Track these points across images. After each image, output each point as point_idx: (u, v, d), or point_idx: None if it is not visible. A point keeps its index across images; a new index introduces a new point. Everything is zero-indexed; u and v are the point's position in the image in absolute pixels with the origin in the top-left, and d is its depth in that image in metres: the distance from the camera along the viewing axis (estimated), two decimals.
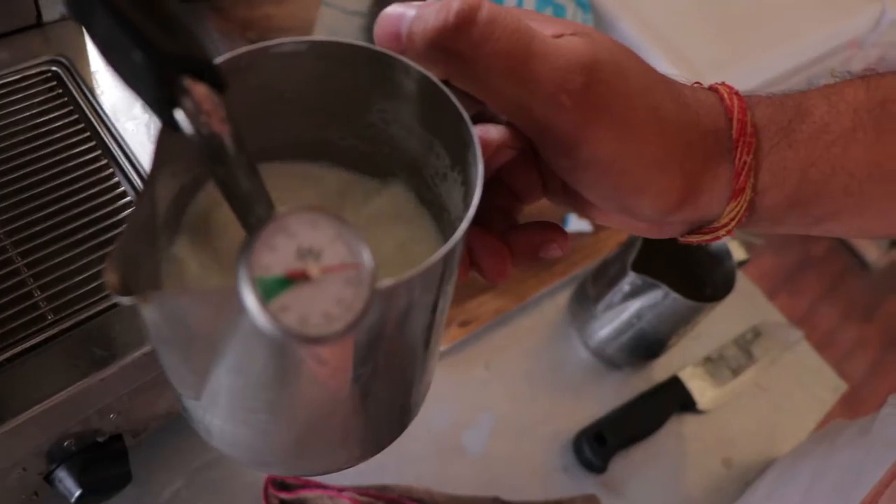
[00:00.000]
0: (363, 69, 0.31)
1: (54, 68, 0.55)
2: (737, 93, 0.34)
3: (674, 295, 0.69)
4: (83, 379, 0.44)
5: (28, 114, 0.53)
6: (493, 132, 0.32)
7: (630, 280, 0.71)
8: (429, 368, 0.36)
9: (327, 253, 0.23)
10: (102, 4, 0.21)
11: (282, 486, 0.65)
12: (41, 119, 0.53)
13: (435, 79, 0.30)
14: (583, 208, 0.36)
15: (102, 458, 0.51)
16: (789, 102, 0.34)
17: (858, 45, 1.25)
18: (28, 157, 0.51)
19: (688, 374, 0.81)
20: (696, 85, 0.35)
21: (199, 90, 0.22)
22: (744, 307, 0.90)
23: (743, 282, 0.91)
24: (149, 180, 0.26)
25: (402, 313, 0.28)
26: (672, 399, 0.79)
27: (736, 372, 0.84)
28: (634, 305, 0.73)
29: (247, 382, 0.28)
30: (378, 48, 0.30)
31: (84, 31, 0.52)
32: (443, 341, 0.75)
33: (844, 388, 0.90)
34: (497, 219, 0.35)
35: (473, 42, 0.29)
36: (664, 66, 0.92)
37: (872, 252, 2.38)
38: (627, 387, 0.80)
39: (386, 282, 0.24)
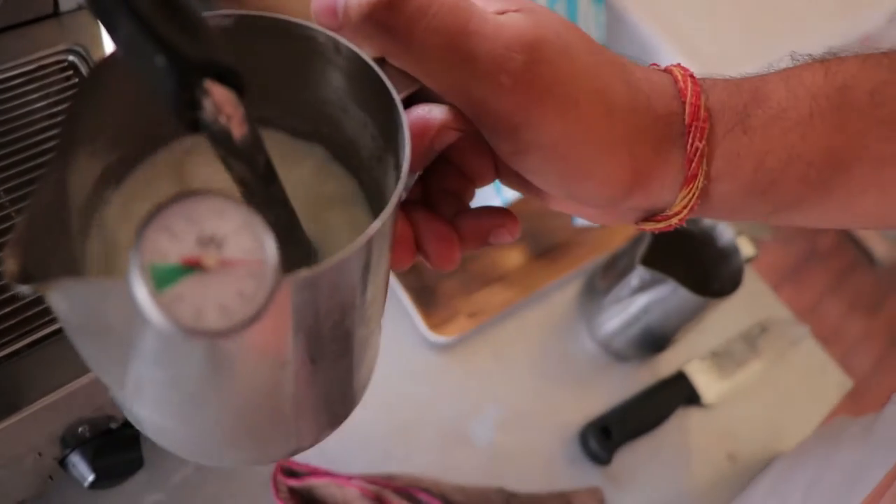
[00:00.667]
0: (296, 46, 0.30)
1: (70, 57, 0.56)
2: (692, 75, 0.33)
3: (682, 290, 0.70)
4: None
5: (45, 102, 0.53)
6: (436, 112, 0.31)
7: (639, 274, 0.72)
8: (367, 357, 0.35)
9: (231, 243, 0.21)
10: (125, 8, 0.22)
11: (290, 473, 0.66)
12: (58, 108, 0.53)
13: (367, 57, 0.29)
14: (535, 191, 0.35)
15: (115, 444, 0.52)
16: (746, 86, 0.33)
17: (871, 40, 1.24)
18: (45, 146, 0.51)
19: (693, 369, 0.82)
20: (651, 66, 0.34)
21: (220, 93, 0.22)
22: (750, 302, 0.90)
23: (750, 277, 0.91)
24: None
25: (325, 304, 0.26)
26: (677, 393, 0.80)
27: (741, 367, 0.84)
28: (642, 299, 0.73)
29: (166, 375, 0.27)
30: (308, 24, 0.29)
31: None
32: (451, 333, 0.75)
33: (850, 384, 0.90)
34: (446, 202, 0.34)
35: (408, 17, 0.27)
36: (675, 58, 0.92)
37: (880, 246, 2.37)
38: (634, 380, 0.81)
39: (300, 273, 0.23)
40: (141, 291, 0.20)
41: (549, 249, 0.84)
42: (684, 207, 0.33)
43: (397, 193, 0.26)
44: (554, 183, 0.32)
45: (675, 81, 0.32)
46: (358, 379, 0.34)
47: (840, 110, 0.32)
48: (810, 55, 0.34)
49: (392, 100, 0.28)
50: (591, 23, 0.97)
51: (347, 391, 0.34)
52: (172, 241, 0.21)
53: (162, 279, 0.20)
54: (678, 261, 0.76)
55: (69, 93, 0.54)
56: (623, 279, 0.74)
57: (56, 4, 0.56)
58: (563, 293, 0.84)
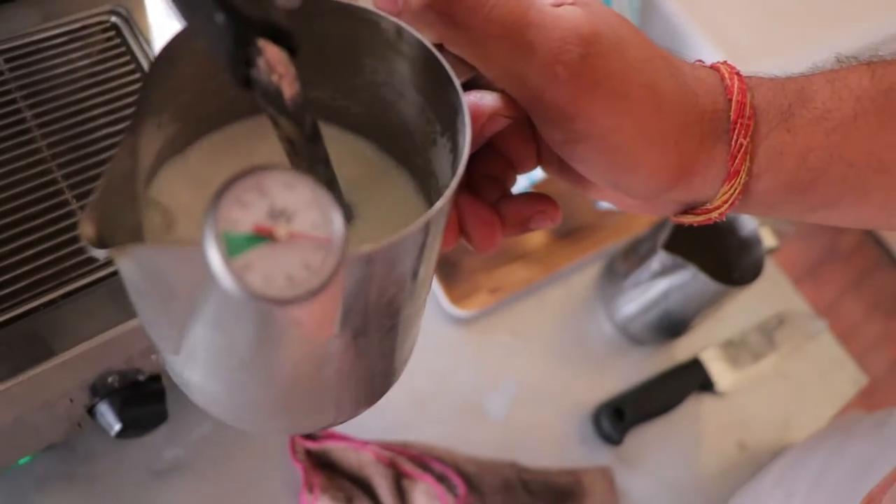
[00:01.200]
0: (357, 30, 0.31)
1: (113, 18, 0.57)
2: (738, 73, 0.33)
3: (702, 276, 0.70)
4: (130, 320, 0.46)
5: (88, 61, 0.55)
6: (488, 99, 0.31)
7: (660, 259, 0.72)
8: (410, 335, 0.36)
9: (300, 216, 0.22)
10: None
11: (308, 435, 0.67)
12: (100, 66, 0.55)
13: (428, 43, 0.30)
14: (576, 180, 0.36)
15: (142, 396, 0.53)
16: (791, 86, 0.33)
17: None
18: (86, 104, 0.53)
19: (709, 356, 0.82)
20: (697, 63, 0.34)
21: (274, 52, 0.23)
22: (769, 294, 0.90)
23: (770, 268, 0.91)
24: (131, 130, 0.26)
25: (380, 281, 0.27)
26: (691, 379, 0.81)
27: (757, 357, 0.85)
28: (662, 284, 0.74)
29: (223, 340, 0.28)
30: (372, 9, 0.30)
31: None
32: (471, 307, 0.76)
33: (864, 381, 0.90)
34: (489, 187, 0.35)
35: (469, 6, 0.28)
36: (708, 49, 0.92)
37: None
38: (649, 364, 0.82)
39: (363, 248, 0.24)
40: (214, 257, 0.21)
41: (571, 231, 0.85)
42: (725, 202, 0.34)
43: (458, 175, 0.27)
44: (601, 173, 0.32)
45: (722, 79, 0.33)
46: (400, 355, 0.36)
47: (884, 113, 0.32)
48: (856, 57, 0.35)
49: (452, 85, 0.29)
50: (625, 9, 0.97)
51: (389, 367, 0.36)
52: (244, 212, 0.22)
53: (234, 247, 0.21)
54: (700, 249, 0.77)
55: (111, 52, 0.56)
56: (644, 263, 0.75)
57: None
58: (583, 275, 0.85)
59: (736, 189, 0.33)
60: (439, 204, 0.26)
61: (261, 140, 0.35)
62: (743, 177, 0.33)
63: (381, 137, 0.36)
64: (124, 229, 0.26)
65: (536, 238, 0.83)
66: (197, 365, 0.31)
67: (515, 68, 0.29)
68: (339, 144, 0.36)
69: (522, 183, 0.82)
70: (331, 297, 0.25)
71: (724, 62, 0.34)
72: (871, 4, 1.09)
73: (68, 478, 0.62)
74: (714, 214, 0.35)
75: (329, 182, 0.29)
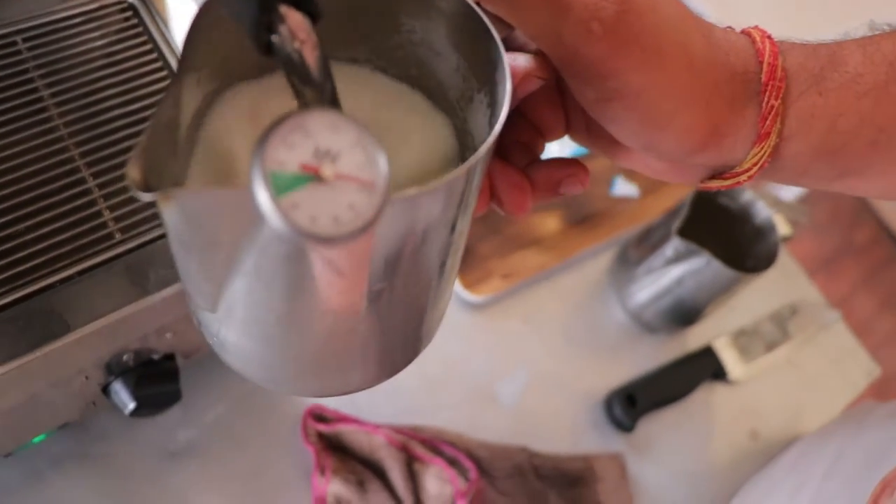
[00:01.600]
0: None
1: (132, 0, 0.57)
2: (769, 37, 0.33)
3: (716, 263, 0.70)
4: (145, 297, 0.47)
5: (105, 41, 0.55)
6: (521, 60, 0.32)
7: (674, 245, 0.72)
8: (444, 296, 0.36)
9: (345, 157, 0.23)
10: None
11: (320, 418, 0.67)
12: (117, 47, 0.55)
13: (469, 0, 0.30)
14: (605, 146, 0.36)
15: (156, 375, 0.54)
16: (823, 51, 0.34)
17: None
18: (103, 83, 0.53)
19: (721, 344, 0.82)
20: (728, 28, 0.35)
21: (295, 18, 0.23)
22: (783, 283, 0.90)
23: (784, 258, 0.91)
24: (175, 80, 0.27)
25: (420, 227, 0.28)
26: (704, 367, 0.81)
27: (770, 347, 0.85)
28: (676, 271, 0.74)
29: (262, 292, 0.28)
30: None
31: None
32: (484, 292, 0.76)
33: (878, 372, 0.90)
34: (519, 153, 0.35)
35: None
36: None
37: None
38: (661, 352, 0.82)
39: (407, 191, 0.24)
40: (262, 196, 0.21)
41: (585, 218, 0.85)
42: (754, 165, 0.34)
43: (501, 120, 0.28)
44: (633, 132, 0.32)
45: (753, 42, 0.33)
46: (432, 316, 0.36)
47: None
48: (889, 24, 0.35)
49: (492, 39, 0.30)
50: None
51: (421, 328, 0.36)
52: (290, 152, 0.22)
53: (281, 186, 0.21)
54: (714, 237, 0.77)
55: (128, 33, 0.56)
56: (657, 250, 0.75)
57: None
58: (597, 261, 0.85)
59: (766, 151, 0.33)
60: (482, 150, 0.27)
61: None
62: (773, 139, 0.33)
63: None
64: (167, 177, 0.26)
65: (550, 224, 0.83)
66: (234, 322, 0.31)
67: (552, 25, 0.30)
68: (382, 87, 0.36)
69: None
70: (375, 238, 0.25)
71: (756, 27, 0.34)
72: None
73: (82, 457, 0.63)
74: (743, 178, 0.35)
75: None
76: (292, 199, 0.22)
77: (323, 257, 0.25)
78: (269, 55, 0.24)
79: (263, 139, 0.22)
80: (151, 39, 0.56)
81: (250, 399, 0.68)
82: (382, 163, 0.23)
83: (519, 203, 0.34)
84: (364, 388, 0.37)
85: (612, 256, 0.86)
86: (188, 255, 0.28)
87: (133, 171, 0.23)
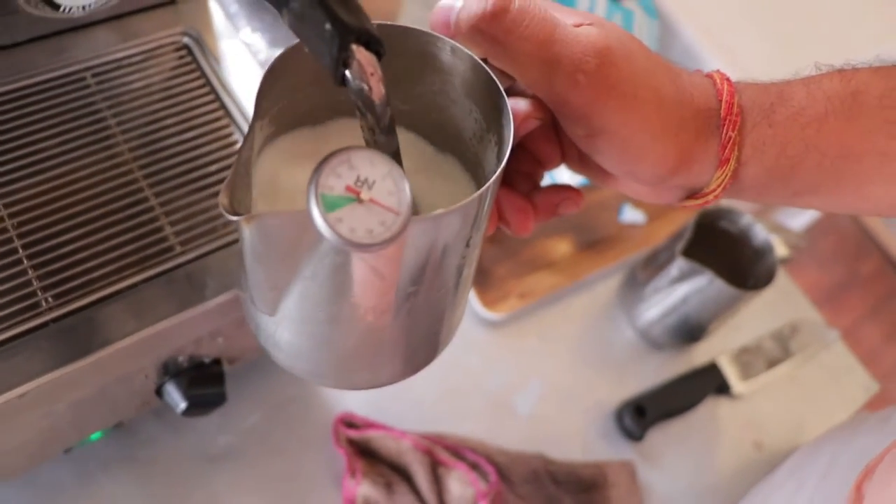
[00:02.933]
0: (420, 49, 0.38)
1: (185, 39, 0.63)
2: (727, 79, 0.40)
3: (718, 281, 0.75)
4: (203, 302, 0.52)
5: (162, 76, 0.61)
6: (521, 104, 0.38)
7: (678, 265, 0.77)
8: (461, 302, 0.43)
9: (378, 185, 0.30)
10: None
11: (350, 424, 0.72)
12: (173, 81, 0.61)
13: (476, 57, 0.37)
14: (595, 174, 0.42)
15: (205, 377, 0.59)
16: (773, 89, 0.39)
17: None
18: (162, 114, 0.59)
19: (725, 361, 0.87)
20: (696, 71, 0.41)
21: (366, 55, 0.29)
22: (783, 304, 0.95)
23: (783, 280, 0.96)
24: (251, 127, 0.34)
25: (443, 241, 0.34)
26: (709, 382, 0.85)
27: (771, 363, 0.89)
28: (681, 290, 0.79)
29: (315, 294, 0.35)
30: (431, 32, 0.37)
31: (220, 7, 0.60)
32: (502, 311, 0.82)
33: (876, 388, 0.94)
34: (522, 181, 0.42)
35: (506, 27, 0.35)
36: (716, 64, 0.98)
37: None
38: (668, 367, 0.86)
39: (435, 212, 0.31)
40: (315, 212, 0.28)
41: (595, 242, 0.90)
42: (719, 186, 0.40)
43: (507, 153, 0.34)
44: (615, 162, 0.39)
45: (714, 83, 0.39)
46: (454, 316, 0.43)
47: (852, 111, 0.38)
48: (831, 65, 0.41)
49: (498, 90, 0.36)
50: (644, 34, 1.03)
51: (445, 326, 0.42)
52: (337, 180, 0.29)
53: (329, 205, 0.29)
54: (716, 259, 0.82)
55: (183, 69, 0.62)
56: (663, 270, 0.80)
57: None
58: (606, 283, 0.91)
59: (727, 174, 0.39)
60: (492, 180, 0.33)
61: (326, 141, 0.42)
62: (732, 164, 0.39)
63: (436, 136, 0.43)
64: (244, 204, 0.34)
65: (562, 248, 0.89)
66: (289, 323, 0.38)
67: (544, 76, 0.36)
68: (404, 141, 0.43)
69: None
70: (400, 248, 0.32)
71: (718, 70, 0.40)
72: (878, 36, 1.15)
73: (130, 460, 0.67)
74: (710, 197, 0.41)
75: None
76: (337, 215, 0.29)
77: (362, 261, 0.32)
78: (342, 86, 0.30)
79: (318, 169, 0.29)
80: (204, 75, 0.62)
81: (285, 408, 0.73)
82: (406, 189, 0.30)
83: (523, 224, 0.41)
84: (390, 383, 0.44)
85: (621, 278, 0.91)
86: (259, 266, 0.35)
87: (223, 199, 0.30)
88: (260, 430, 0.72)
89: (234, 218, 0.29)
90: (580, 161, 0.43)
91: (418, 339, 0.42)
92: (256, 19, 0.84)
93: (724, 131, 0.38)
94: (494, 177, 0.33)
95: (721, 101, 0.38)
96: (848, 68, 0.40)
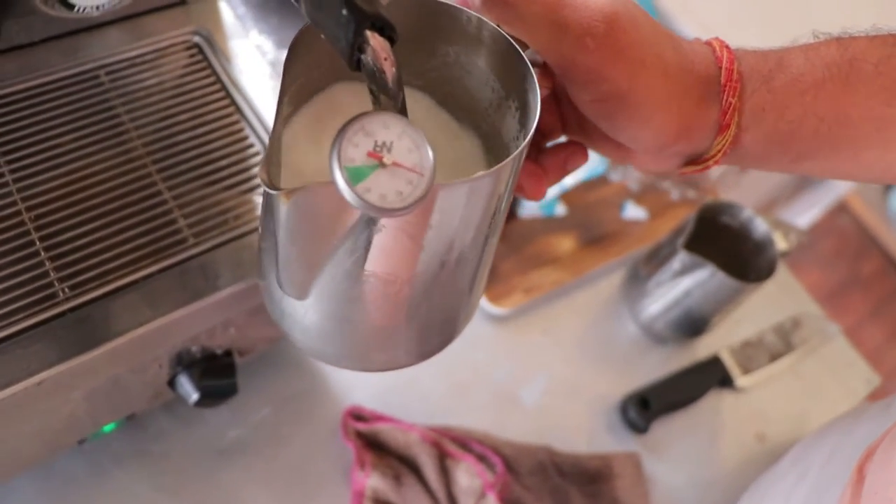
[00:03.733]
0: (433, 20, 0.39)
1: (196, 39, 0.65)
2: (727, 46, 0.41)
3: (720, 274, 0.76)
4: (215, 293, 0.53)
5: (174, 74, 0.62)
6: None
7: (680, 258, 0.79)
8: (475, 291, 0.43)
9: (396, 146, 0.30)
10: None
11: (358, 417, 0.73)
12: (185, 79, 0.62)
13: (493, 24, 0.38)
14: (595, 142, 0.44)
15: (217, 368, 0.60)
16: (771, 55, 0.41)
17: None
18: (174, 110, 0.60)
19: (728, 354, 0.88)
20: (694, 40, 0.42)
21: (380, 41, 0.31)
22: (784, 298, 0.96)
23: (784, 275, 0.97)
24: (279, 103, 0.35)
25: (483, 201, 0.35)
26: (712, 375, 0.86)
27: (773, 357, 0.90)
28: (683, 283, 0.80)
29: (349, 271, 0.36)
30: (445, 2, 0.38)
31: (230, 8, 0.61)
32: (507, 305, 0.83)
33: (877, 381, 0.95)
34: (529, 150, 0.42)
35: None
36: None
37: None
38: (671, 361, 0.87)
39: (478, 174, 0.32)
40: (343, 187, 0.29)
41: (598, 238, 0.91)
42: (719, 151, 0.41)
43: (535, 117, 0.35)
44: (620, 128, 0.40)
45: (714, 51, 0.41)
46: (476, 293, 0.44)
47: (849, 77, 0.39)
48: (829, 33, 0.42)
49: (520, 56, 0.37)
50: None
51: (467, 303, 0.43)
52: (357, 150, 0.30)
53: (355, 176, 0.29)
54: (717, 253, 0.83)
55: (194, 67, 0.63)
56: (665, 264, 0.81)
57: None
58: (610, 279, 0.92)
59: (727, 140, 0.40)
60: (527, 139, 0.34)
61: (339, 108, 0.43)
62: (733, 130, 0.40)
63: (450, 107, 0.44)
64: (277, 180, 0.35)
65: (566, 245, 0.90)
66: (319, 304, 0.39)
67: (554, 40, 0.37)
68: (423, 109, 0.44)
69: (552, 191, 0.88)
70: (431, 206, 0.32)
71: (716, 38, 0.42)
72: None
73: (141, 454, 0.68)
74: (710, 163, 0.42)
75: None
76: (366, 186, 0.29)
77: (396, 226, 0.32)
78: (357, 70, 0.31)
79: (336, 142, 0.29)
80: (214, 73, 0.63)
81: (294, 401, 0.74)
82: (425, 144, 0.31)
83: (536, 188, 0.42)
84: (406, 366, 0.45)
85: (624, 273, 0.92)
86: (293, 245, 0.36)
87: (262, 174, 0.31)
88: (269, 423, 0.73)
89: (274, 192, 0.30)
90: (580, 130, 0.44)
91: (436, 321, 0.43)
92: (263, 21, 0.85)
93: (725, 98, 0.39)
94: (528, 138, 0.34)
95: (721, 67, 0.39)
96: (845, 36, 0.41)
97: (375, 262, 0.35)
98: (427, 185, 0.30)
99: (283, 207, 0.33)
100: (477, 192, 0.34)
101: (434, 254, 0.36)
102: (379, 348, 0.44)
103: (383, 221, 0.32)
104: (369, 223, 0.32)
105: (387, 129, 0.30)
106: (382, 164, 0.29)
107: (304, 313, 0.40)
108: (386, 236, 0.33)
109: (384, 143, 0.30)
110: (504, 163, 0.33)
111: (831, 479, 0.65)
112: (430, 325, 0.43)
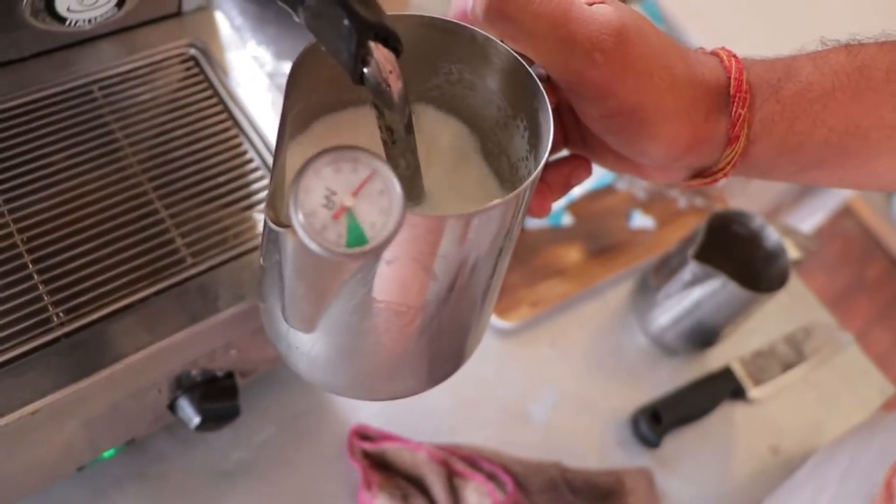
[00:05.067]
0: (436, 38, 0.37)
1: (192, 51, 0.63)
2: (734, 55, 0.39)
3: (731, 284, 0.75)
4: (216, 314, 0.51)
5: (170, 88, 0.61)
6: None
7: (691, 269, 0.77)
8: (483, 317, 0.42)
9: (366, 189, 0.27)
10: None
11: (364, 437, 0.72)
12: (181, 93, 0.61)
13: (498, 41, 0.36)
14: (599, 156, 0.42)
15: (218, 391, 0.58)
16: (779, 65, 0.39)
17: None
18: (170, 125, 0.59)
19: (739, 365, 0.86)
20: (699, 49, 0.40)
21: (384, 52, 0.29)
22: (795, 307, 0.95)
23: (795, 283, 0.95)
24: (280, 135, 0.33)
25: (487, 235, 0.33)
26: (724, 386, 0.84)
27: (786, 367, 0.89)
28: (694, 294, 0.78)
29: (356, 304, 0.34)
30: (449, 19, 0.37)
31: (227, 18, 0.60)
32: (514, 319, 0.81)
33: (891, 390, 0.94)
34: None
35: (521, 4, 0.34)
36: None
37: None
38: (682, 373, 0.86)
39: (494, 202, 0.30)
40: (302, 234, 0.27)
41: (605, 248, 0.90)
42: (728, 164, 0.39)
43: (549, 139, 0.33)
44: (628, 143, 0.38)
45: (721, 61, 0.39)
46: (483, 319, 0.42)
47: (859, 85, 0.38)
48: (837, 40, 0.40)
49: (528, 73, 0.36)
50: None
51: (474, 328, 0.42)
52: (309, 197, 0.27)
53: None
54: (728, 262, 0.81)
55: (190, 80, 0.62)
56: (675, 275, 0.80)
57: (180, 5, 0.64)
58: (618, 290, 0.90)
59: (737, 152, 0.39)
60: (536, 173, 0.32)
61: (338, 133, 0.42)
62: (742, 141, 0.38)
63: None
64: (283, 213, 0.33)
65: (573, 255, 0.88)
66: (328, 337, 0.37)
67: (561, 55, 0.35)
68: (435, 124, 0.42)
69: (559, 202, 0.87)
70: (439, 236, 0.31)
71: (723, 47, 0.40)
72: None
73: (141, 477, 0.67)
74: (719, 175, 0.40)
75: (415, 168, 0.35)
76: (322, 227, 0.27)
77: (408, 256, 0.31)
78: (360, 84, 0.30)
79: (292, 189, 0.27)
80: (211, 86, 0.62)
81: (297, 422, 0.73)
82: (396, 186, 0.28)
83: (542, 205, 0.41)
84: (416, 394, 0.44)
85: (632, 284, 0.90)
86: (300, 280, 0.34)
87: (269, 213, 0.29)
88: (273, 444, 0.72)
89: (281, 230, 0.29)
90: (583, 143, 0.43)
91: (442, 352, 0.42)
92: (261, 32, 0.84)
93: (734, 109, 0.38)
94: (542, 162, 0.33)
95: (730, 78, 0.38)
96: (854, 43, 0.40)
97: (387, 293, 0.34)
98: (393, 227, 0.27)
99: (290, 244, 0.31)
100: (489, 220, 0.32)
101: (445, 282, 0.34)
102: (389, 378, 0.43)
103: (395, 252, 0.30)
104: (379, 257, 0.30)
105: (356, 167, 0.28)
106: (347, 210, 0.27)
107: (312, 346, 0.39)
108: (398, 267, 0.32)
109: (339, 191, 0.27)
110: (519, 189, 0.31)
111: (851, 494, 0.64)
112: (440, 352, 0.41)
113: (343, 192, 0.27)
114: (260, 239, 0.51)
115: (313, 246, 0.26)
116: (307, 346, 0.39)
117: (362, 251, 0.27)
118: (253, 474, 0.69)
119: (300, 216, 0.26)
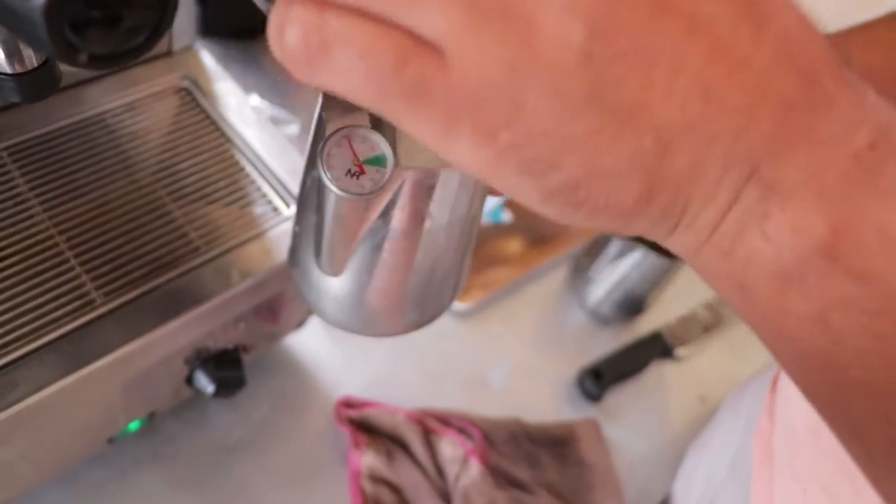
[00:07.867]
0: None
1: (185, 84, 0.75)
2: None
3: (652, 254, 0.88)
4: (228, 290, 0.62)
5: (170, 113, 0.72)
6: None
7: (615, 244, 0.90)
8: (465, 263, 0.52)
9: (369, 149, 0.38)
10: None
11: (349, 405, 0.83)
12: (180, 117, 0.72)
13: None
14: None
15: (228, 361, 0.69)
16: None
17: None
18: (175, 143, 0.70)
19: (666, 329, 1.00)
20: None
21: None
22: None
23: None
24: (318, 125, 0.44)
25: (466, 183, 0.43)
26: (655, 347, 0.97)
27: (706, 329, 1.02)
28: (621, 267, 0.92)
29: (374, 245, 0.44)
30: None
31: (210, 55, 0.71)
32: (468, 300, 0.93)
33: None
34: None
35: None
36: None
37: None
38: (618, 339, 0.99)
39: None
40: (332, 187, 0.38)
41: (542, 238, 1.03)
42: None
43: None
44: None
45: None
46: (461, 271, 0.53)
47: None
48: None
49: None
50: None
51: (464, 265, 0.52)
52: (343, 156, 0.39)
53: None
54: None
55: (185, 107, 0.73)
56: (602, 252, 0.93)
57: (170, 45, 0.75)
58: (556, 272, 1.03)
59: None
60: None
61: None
62: None
63: None
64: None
65: (514, 245, 1.01)
66: (350, 277, 0.47)
67: None
68: None
69: (496, 201, 1.00)
70: (433, 184, 0.42)
71: None
72: None
73: (156, 457, 0.77)
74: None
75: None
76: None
77: (410, 203, 0.42)
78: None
79: (322, 150, 0.38)
80: (204, 111, 0.73)
81: (289, 398, 0.83)
82: (389, 150, 0.39)
83: None
84: (416, 328, 0.54)
85: (568, 267, 1.04)
86: (339, 228, 0.43)
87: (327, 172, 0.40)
88: (269, 420, 0.82)
89: (332, 186, 0.38)
90: None
91: (435, 286, 0.51)
92: (228, 70, 0.95)
93: None
94: None
95: None
96: None
97: (396, 231, 0.43)
98: (386, 178, 0.38)
99: (333, 196, 0.40)
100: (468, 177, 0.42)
101: (437, 226, 0.44)
102: (398, 312, 0.52)
103: (403, 200, 0.41)
104: (390, 205, 0.41)
105: (367, 137, 0.38)
106: (361, 170, 0.38)
107: (339, 289, 0.48)
108: (402, 210, 0.42)
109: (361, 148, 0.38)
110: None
111: (755, 419, 0.76)
112: (436, 288, 0.51)
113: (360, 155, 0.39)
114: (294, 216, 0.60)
115: (347, 195, 0.38)
116: (335, 290, 0.49)
117: (370, 191, 0.39)
118: (254, 448, 0.80)
119: (332, 175, 0.38)
